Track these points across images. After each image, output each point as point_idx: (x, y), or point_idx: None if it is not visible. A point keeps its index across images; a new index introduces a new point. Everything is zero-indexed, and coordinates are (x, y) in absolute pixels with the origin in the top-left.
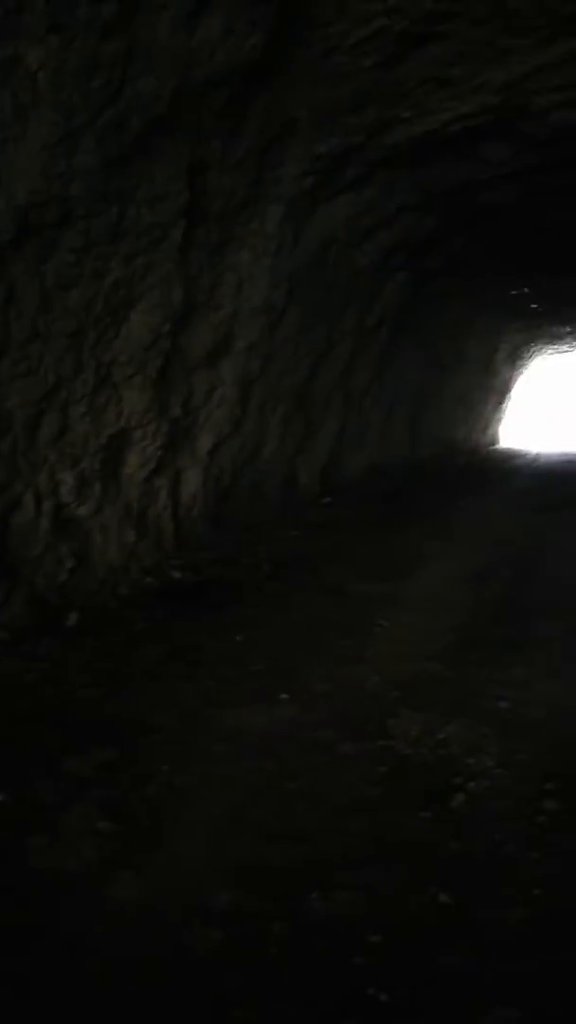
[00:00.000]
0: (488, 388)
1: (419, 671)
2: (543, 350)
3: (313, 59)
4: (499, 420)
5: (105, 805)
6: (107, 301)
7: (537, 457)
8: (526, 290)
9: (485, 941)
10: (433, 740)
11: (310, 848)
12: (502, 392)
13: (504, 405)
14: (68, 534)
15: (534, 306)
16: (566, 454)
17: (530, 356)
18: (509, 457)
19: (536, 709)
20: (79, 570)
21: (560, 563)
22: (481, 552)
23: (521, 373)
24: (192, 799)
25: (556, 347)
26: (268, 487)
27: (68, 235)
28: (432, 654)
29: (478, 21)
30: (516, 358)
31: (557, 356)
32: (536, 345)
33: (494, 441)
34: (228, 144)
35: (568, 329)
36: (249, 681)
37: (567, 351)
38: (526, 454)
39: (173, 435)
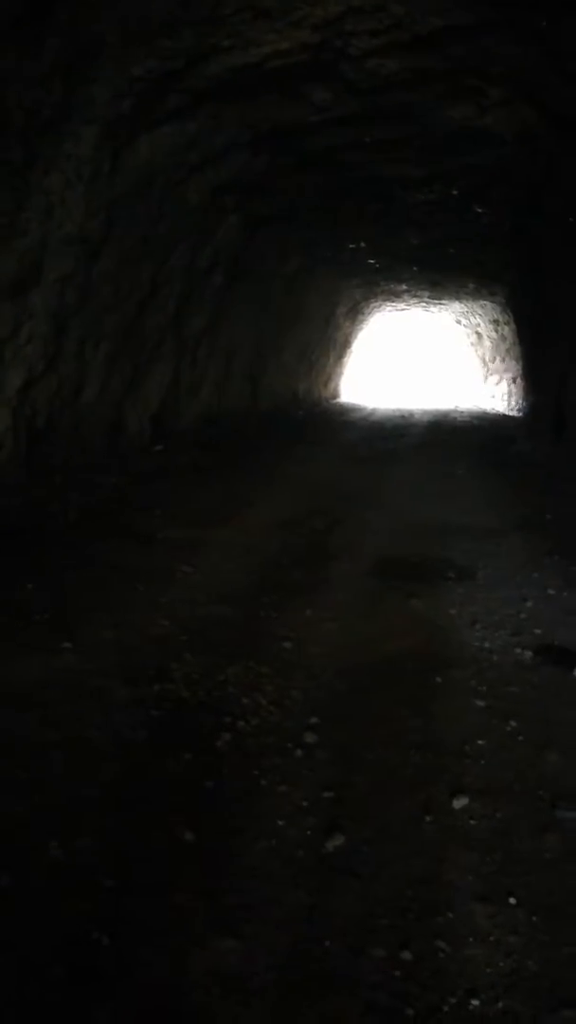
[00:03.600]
0: (329, 342)
1: (212, 615)
2: (382, 307)
3: None
4: (340, 374)
5: None
6: None
7: (373, 411)
8: (362, 245)
9: (218, 877)
10: (212, 682)
11: (56, 797)
12: (343, 346)
13: (345, 359)
14: None
15: (371, 262)
16: (400, 409)
17: (370, 312)
18: (347, 411)
19: (317, 648)
20: None
21: (369, 511)
22: (300, 500)
23: (362, 328)
24: None
25: (394, 304)
26: (92, 431)
27: None
28: (229, 598)
29: None
30: (356, 313)
31: (396, 313)
32: (375, 301)
33: (335, 395)
34: (27, 57)
35: (404, 287)
36: (30, 631)
37: (404, 309)
38: (363, 408)
39: None
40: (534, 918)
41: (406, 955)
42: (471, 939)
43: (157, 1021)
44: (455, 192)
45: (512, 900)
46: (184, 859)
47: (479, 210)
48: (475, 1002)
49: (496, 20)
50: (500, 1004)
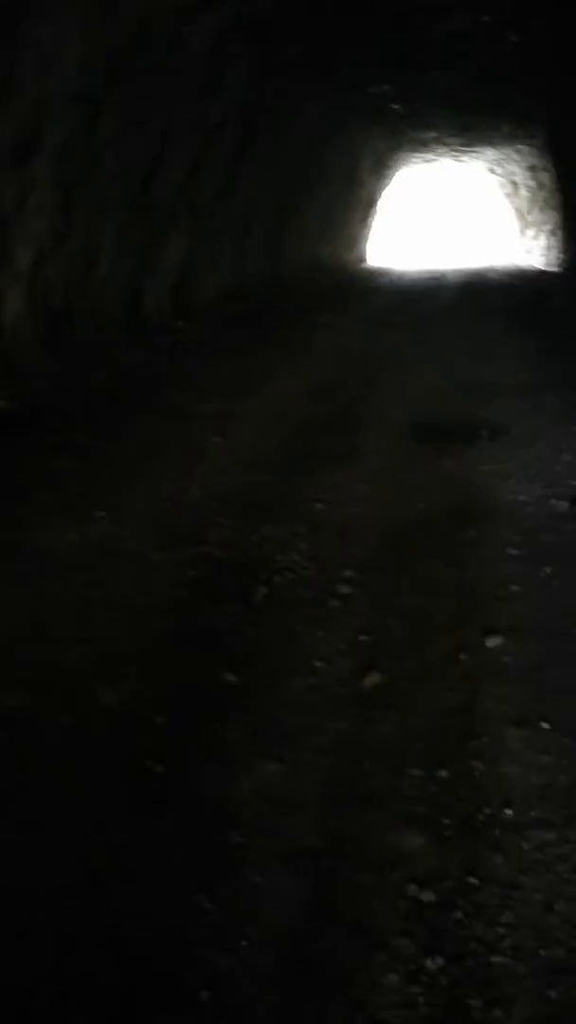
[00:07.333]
0: (353, 202)
1: (244, 482)
2: (409, 159)
3: None
4: (366, 237)
5: None
6: None
7: (403, 275)
8: (385, 88)
9: (261, 711)
10: (247, 543)
11: (106, 647)
12: (368, 206)
13: (370, 221)
14: None
15: (395, 107)
16: (431, 270)
17: (396, 166)
18: (375, 275)
19: (349, 508)
20: None
21: (400, 376)
22: (330, 369)
23: (387, 184)
24: None
25: (422, 155)
26: (110, 309)
27: None
28: (260, 466)
29: None
30: (381, 167)
31: (423, 165)
32: (401, 153)
33: (361, 259)
34: None
35: (433, 134)
36: (66, 504)
37: (433, 160)
38: (392, 272)
39: None
40: (566, 740)
41: (443, 773)
42: (505, 759)
43: (212, 832)
44: (486, 19)
45: (545, 725)
46: (228, 697)
47: (514, 39)
48: (509, 812)
49: None
50: (533, 813)
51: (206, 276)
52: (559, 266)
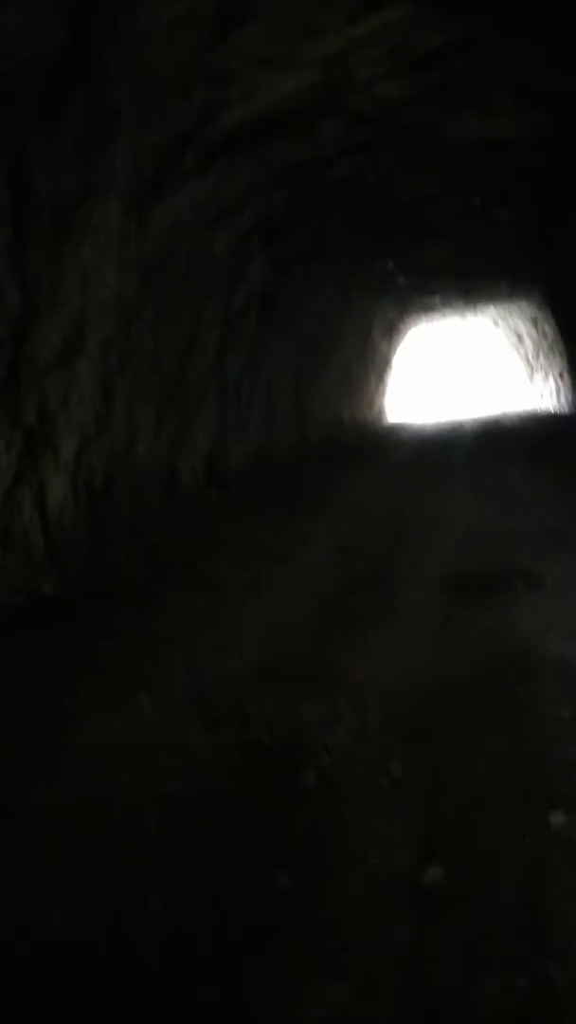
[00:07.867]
0: (368, 364)
1: (282, 651)
2: (417, 320)
3: (128, 46)
4: (382, 395)
5: None
6: None
7: (421, 427)
8: (390, 264)
9: (318, 919)
10: (289, 720)
11: (151, 849)
12: (383, 366)
13: (386, 379)
14: None
15: (401, 280)
16: (448, 421)
17: (406, 327)
18: (394, 430)
19: (390, 676)
20: None
21: (428, 528)
22: (358, 527)
23: (399, 345)
24: (34, 824)
25: (429, 316)
26: (148, 486)
27: None
28: (298, 633)
29: None
30: (392, 331)
31: (432, 324)
32: (410, 317)
33: (380, 416)
34: (51, 138)
35: (437, 299)
36: (109, 689)
37: (439, 319)
38: (411, 426)
39: (30, 444)
40: None
41: (520, 983)
42: None
43: None
44: (477, 201)
45: None
46: (281, 905)
47: (503, 215)
48: None
49: (491, 29)
50: None
51: (236, 444)
52: (570, 407)
